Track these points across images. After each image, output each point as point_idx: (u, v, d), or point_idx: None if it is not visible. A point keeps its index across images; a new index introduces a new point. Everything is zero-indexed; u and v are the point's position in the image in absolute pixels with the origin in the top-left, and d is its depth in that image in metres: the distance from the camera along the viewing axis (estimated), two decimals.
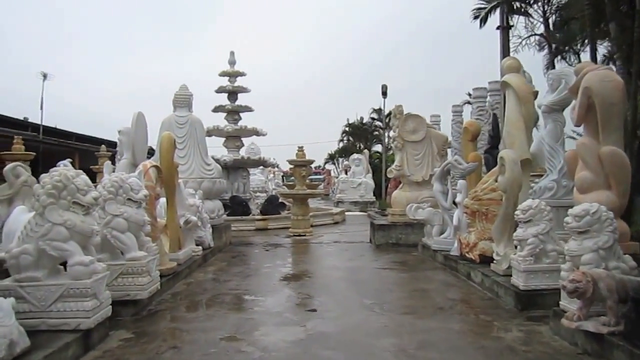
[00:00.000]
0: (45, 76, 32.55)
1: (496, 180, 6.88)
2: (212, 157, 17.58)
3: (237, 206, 16.75)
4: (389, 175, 11.90)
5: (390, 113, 41.04)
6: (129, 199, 5.55)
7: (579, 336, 4.27)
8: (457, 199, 8.42)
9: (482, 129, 16.34)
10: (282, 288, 6.97)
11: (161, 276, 6.66)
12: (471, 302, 6.04)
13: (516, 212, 5.73)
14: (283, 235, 13.83)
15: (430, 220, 9.49)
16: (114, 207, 5.45)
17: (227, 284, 7.21)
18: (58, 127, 34.90)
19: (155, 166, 7.02)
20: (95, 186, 5.59)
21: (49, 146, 30.35)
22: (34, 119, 32.71)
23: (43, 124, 32.52)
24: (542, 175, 8.97)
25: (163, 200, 8.10)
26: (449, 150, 13.21)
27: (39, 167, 19.64)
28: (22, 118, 33.62)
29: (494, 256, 6.69)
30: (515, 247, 5.97)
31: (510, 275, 5.98)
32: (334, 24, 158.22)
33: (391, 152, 40.12)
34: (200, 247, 9.10)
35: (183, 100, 11.55)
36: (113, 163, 14.47)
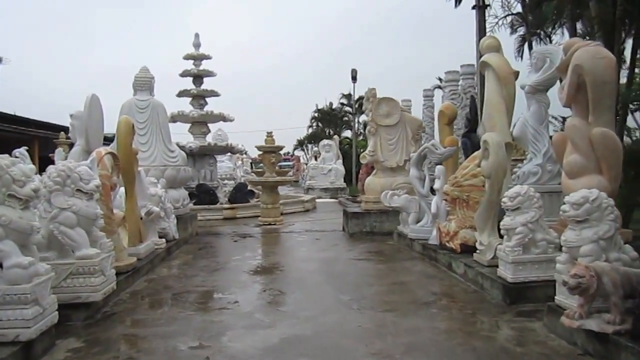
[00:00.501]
0: (0, 60, 30.97)
1: (478, 166, 6.50)
2: (177, 144, 16.89)
3: (204, 195, 16.11)
4: (361, 161, 11.47)
5: (360, 98, 40.61)
6: (78, 190, 4.93)
7: (578, 335, 3.90)
8: (435, 185, 8.03)
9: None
10: (252, 284, 6.47)
11: (119, 273, 6.09)
12: (455, 295, 5.66)
13: (503, 200, 5.34)
14: (252, 225, 13.30)
15: (406, 208, 9.10)
16: (61, 199, 4.84)
17: (192, 280, 6.68)
18: (16, 113, 33.43)
19: (111, 153, 6.39)
20: None
21: (6, 133, 28.98)
22: None
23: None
24: (521, 160, 8.68)
25: (122, 190, 7.50)
26: (423, 135, 12.85)
27: None
28: None
29: (477, 245, 6.32)
30: (502, 236, 5.60)
31: (496, 266, 5.61)
32: (302, 6, 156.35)
33: (361, 137, 39.82)
34: (163, 240, 8.51)
35: (144, 83, 10.85)
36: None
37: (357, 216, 10.75)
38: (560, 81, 5.79)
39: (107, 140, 11.55)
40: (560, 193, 7.07)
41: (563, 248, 4.34)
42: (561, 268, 4.28)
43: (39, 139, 29.34)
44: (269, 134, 13.47)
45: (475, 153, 7.32)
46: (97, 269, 4.93)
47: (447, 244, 7.13)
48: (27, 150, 13.56)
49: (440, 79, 32.55)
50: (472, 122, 8.94)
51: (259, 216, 13.61)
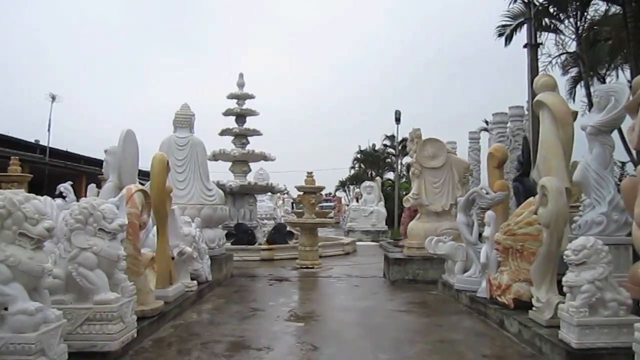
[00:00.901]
0: (53, 98, 32.25)
1: (535, 213, 5.91)
2: (217, 183, 16.86)
3: (242, 234, 15.84)
4: (405, 204, 10.95)
5: (404, 140, 40.22)
6: (100, 229, 4.64)
7: None
8: (485, 233, 7.43)
9: None
10: (284, 335, 5.96)
11: (144, 318, 5.76)
12: (509, 359, 5.01)
13: (566, 252, 4.74)
14: (290, 267, 12.84)
15: (452, 256, 8.49)
16: (82, 238, 4.54)
17: (221, 328, 6.24)
18: (68, 149, 34.50)
19: (142, 190, 6.13)
20: None
21: (56, 169, 29.82)
22: (44, 141, 32.21)
23: (53, 146, 32.11)
24: (576, 207, 8.01)
25: (155, 229, 7.23)
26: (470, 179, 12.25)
27: (43, 190, 18.98)
28: (33, 140, 33.23)
29: (534, 302, 5.67)
30: (564, 294, 4.97)
31: (556, 327, 4.97)
32: (349, 51, 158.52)
33: (404, 179, 39.22)
34: (195, 282, 8.15)
35: (184, 120, 10.74)
36: None
37: (399, 262, 10.16)
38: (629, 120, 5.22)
39: (145, 176, 11.45)
40: (628, 246, 6.41)
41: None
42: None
43: (87, 174, 30.09)
44: (309, 174, 13.13)
45: (531, 199, 6.73)
46: (115, 316, 4.57)
47: (498, 298, 6.48)
48: (72, 185, 13.63)
49: (486, 122, 31.85)
50: (525, 165, 8.34)
51: (297, 258, 13.16)
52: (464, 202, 8.22)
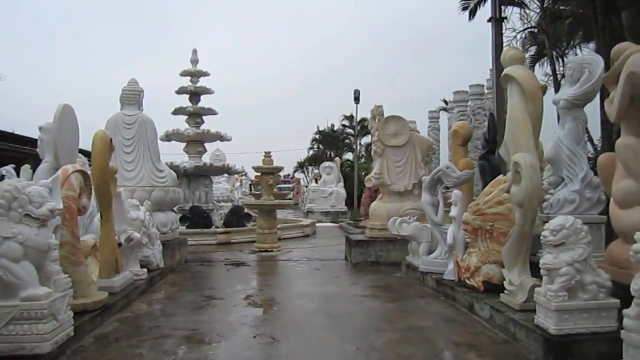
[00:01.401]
0: None
1: (508, 191, 5.60)
2: (171, 164, 16.08)
3: (197, 217, 15.21)
4: (366, 184, 10.58)
5: (363, 120, 39.96)
6: (27, 215, 4.04)
7: None
8: (452, 213, 7.13)
9: None
10: (242, 327, 5.49)
11: (85, 312, 5.21)
12: (482, 347, 4.70)
13: (544, 233, 4.43)
14: (247, 251, 12.36)
15: (416, 237, 8.19)
16: (4, 226, 3.93)
17: (172, 320, 5.72)
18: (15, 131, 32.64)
19: (80, 171, 5.50)
20: None
21: (2, 151, 28.19)
22: None
23: None
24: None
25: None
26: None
27: None
28: None
29: (506, 285, 5.39)
30: (537, 276, 4.69)
31: (531, 311, 4.69)
32: (304, 25, 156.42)
33: (363, 160, 39.04)
34: (145, 270, 7.58)
35: (132, 97, 10.01)
36: None
37: (361, 244, 9.81)
38: (607, 94, 4.93)
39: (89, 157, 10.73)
40: (601, 224, 6.20)
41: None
42: (631, 324, 3.36)
43: (34, 157, 28.58)
44: (267, 154, 12.59)
45: (500, 177, 6.45)
46: (46, 313, 4.01)
47: (467, 281, 6.19)
48: (15, 169, 12.66)
49: (445, 101, 31.86)
50: (491, 143, 8.07)
51: (255, 241, 12.68)
52: (429, 181, 7.89)
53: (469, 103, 16.39)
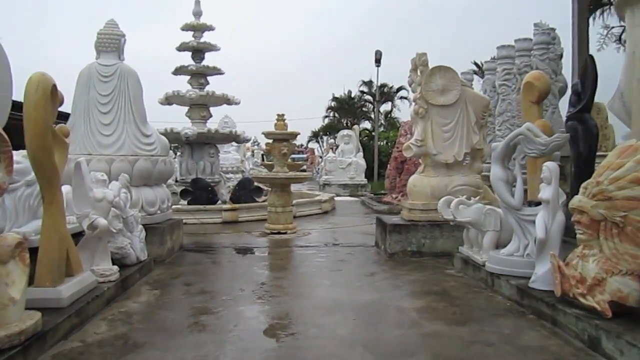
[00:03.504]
0: None
1: None
2: (170, 130, 14.11)
3: (200, 192, 13.26)
4: (405, 154, 8.46)
5: (383, 85, 37.52)
6: None
7: None
8: (544, 194, 5.01)
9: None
10: None
11: None
12: None
13: None
14: (257, 233, 10.39)
15: (479, 224, 6.12)
16: None
17: (136, 357, 3.76)
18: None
19: None
20: None
21: None
22: None
23: None
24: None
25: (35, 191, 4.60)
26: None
27: None
28: None
29: None
30: None
31: None
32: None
33: (382, 129, 36.71)
34: (114, 268, 5.61)
35: (109, 42, 7.90)
36: None
37: (399, 230, 7.74)
38: None
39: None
40: None
41: None
42: None
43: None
44: (280, 117, 10.48)
45: (624, 143, 4.32)
46: None
47: (580, 299, 4.12)
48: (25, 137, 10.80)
49: (477, 64, 29.36)
50: (589, 97, 5.90)
51: (266, 220, 10.70)
52: (501, 148, 5.76)
53: (515, 61, 14.04)
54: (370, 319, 4.67)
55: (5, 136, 3.79)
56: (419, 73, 8.09)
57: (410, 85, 8.35)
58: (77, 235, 5.62)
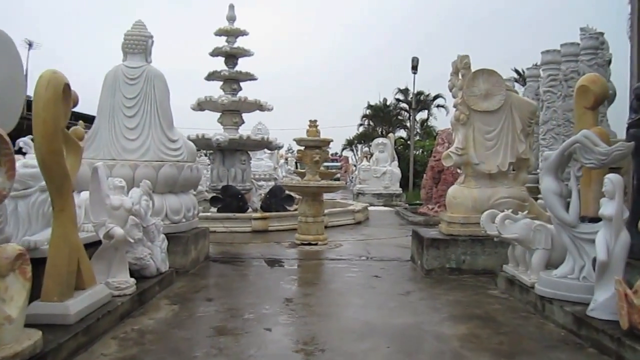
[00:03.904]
0: (30, 44, 28.91)
1: None
2: (202, 136, 13.90)
3: (230, 199, 12.93)
4: (445, 163, 7.92)
5: (419, 93, 36.78)
6: None
7: None
8: (606, 210, 4.43)
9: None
10: None
11: None
12: None
13: None
14: (287, 243, 9.98)
15: (527, 241, 5.55)
16: None
17: None
18: None
19: None
20: None
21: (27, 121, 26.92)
22: None
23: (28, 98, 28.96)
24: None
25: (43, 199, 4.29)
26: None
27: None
28: None
29: None
30: None
31: None
32: (360, 9, 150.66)
33: (418, 137, 35.97)
34: (131, 281, 5.26)
35: (136, 44, 7.64)
36: None
37: (436, 244, 7.20)
38: None
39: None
40: None
41: None
42: None
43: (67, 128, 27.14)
44: (313, 123, 10.07)
45: None
46: None
47: None
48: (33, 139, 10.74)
49: (518, 71, 28.44)
50: None
51: (296, 229, 10.28)
52: (555, 159, 5.19)
53: (561, 66, 13.32)
54: (405, 348, 4.16)
55: (6, 138, 3.46)
56: (460, 77, 7.56)
57: (450, 90, 7.81)
58: (95, 245, 5.33)
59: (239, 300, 5.67)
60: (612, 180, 4.39)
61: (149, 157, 7.30)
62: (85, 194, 5.79)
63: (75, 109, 6.53)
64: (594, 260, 4.69)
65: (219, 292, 6.11)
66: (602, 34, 14.04)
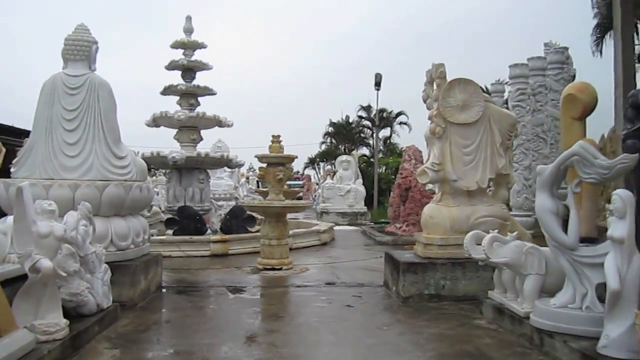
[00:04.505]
0: None
1: None
2: (157, 154, 13.06)
3: (187, 221, 12.07)
4: (420, 179, 7.32)
5: (382, 110, 36.57)
6: None
7: None
8: (615, 232, 3.88)
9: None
10: None
11: None
12: None
13: None
14: (249, 268, 9.20)
15: (519, 265, 4.98)
16: None
17: None
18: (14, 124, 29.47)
19: None
20: None
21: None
22: None
23: None
24: None
25: None
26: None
27: None
28: None
29: None
30: None
31: None
32: (315, 21, 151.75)
33: (380, 155, 35.68)
34: (63, 323, 4.41)
35: (78, 50, 6.82)
36: None
37: (414, 269, 6.58)
38: None
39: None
40: None
41: None
42: None
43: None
44: (276, 138, 9.38)
45: None
46: None
47: None
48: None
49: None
50: None
51: (259, 252, 9.51)
52: (550, 173, 4.64)
53: (528, 80, 13.08)
54: None
55: None
56: (435, 87, 7.04)
57: (424, 101, 7.28)
58: (22, 279, 4.50)
59: (194, 341, 4.87)
60: (621, 197, 3.86)
61: (91, 176, 6.46)
62: (11, 219, 4.96)
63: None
64: (598, 287, 4.16)
65: (171, 330, 5.32)
66: (566, 48, 13.94)
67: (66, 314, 4.62)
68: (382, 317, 5.85)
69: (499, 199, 7.12)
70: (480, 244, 5.34)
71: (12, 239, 4.81)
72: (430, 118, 7.10)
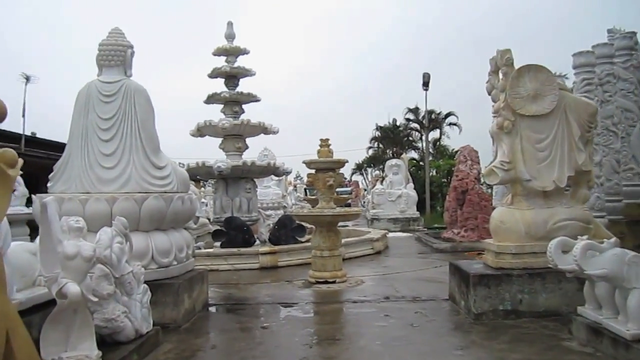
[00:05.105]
0: (27, 79, 28.02)
1: None
2: (203, 164, 12.72)
3: (235, 232, 11.61)
4: (488, 180, 6.56)
5: (430, 112, 35.49)
6: None
7: None
8: None
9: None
10: None
11: None
12: None
13: None
14: (300, 281, 8.62)
15: (621, 278, 4.17)
16: None
17: None
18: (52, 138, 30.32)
19: None
20: None
21: (34, 159, 25.89)
22: (17, 128, 28.02)
23: (32, 134, 27.97)
24: None
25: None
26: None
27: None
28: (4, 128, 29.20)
29: None
30: None
31: None
32: (368, 36, 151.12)
33: (430, 157, 34.61)
34: (96, 353, 3.92)
35: (113, 55, 6.43)
36: None
37: (486, 282, 5.81)
38: None
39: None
40: None
41: None
42: None
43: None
44: (324, 142, 8.77)
45: None
46: None
47: None
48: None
49: None
50: None
51: (310, 263, 8.91)
52: None
53: (595, 69, 12.04)
54: None
55: None
56: (501, 76, 6.27)
57: (489, 93, 6.53)
58: (52, 304, 4.04)
59: None
60: None
61: (129, 188, 6.02)
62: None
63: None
64: None
65: (217, 357, 4.76)
66: (634, 33, 12.81)
67: (101, 342, 4.16)
68: (454, 338, 5.12)
69: (580, 200, 6.26)
70: (568, 252, 4.57)
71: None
72: (496, 111, 6.33)
